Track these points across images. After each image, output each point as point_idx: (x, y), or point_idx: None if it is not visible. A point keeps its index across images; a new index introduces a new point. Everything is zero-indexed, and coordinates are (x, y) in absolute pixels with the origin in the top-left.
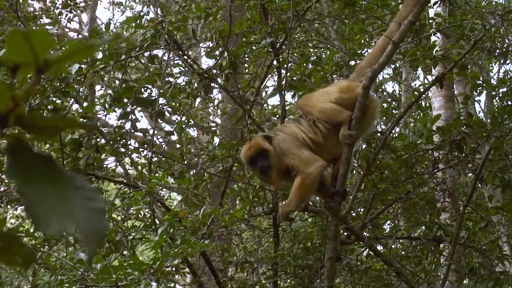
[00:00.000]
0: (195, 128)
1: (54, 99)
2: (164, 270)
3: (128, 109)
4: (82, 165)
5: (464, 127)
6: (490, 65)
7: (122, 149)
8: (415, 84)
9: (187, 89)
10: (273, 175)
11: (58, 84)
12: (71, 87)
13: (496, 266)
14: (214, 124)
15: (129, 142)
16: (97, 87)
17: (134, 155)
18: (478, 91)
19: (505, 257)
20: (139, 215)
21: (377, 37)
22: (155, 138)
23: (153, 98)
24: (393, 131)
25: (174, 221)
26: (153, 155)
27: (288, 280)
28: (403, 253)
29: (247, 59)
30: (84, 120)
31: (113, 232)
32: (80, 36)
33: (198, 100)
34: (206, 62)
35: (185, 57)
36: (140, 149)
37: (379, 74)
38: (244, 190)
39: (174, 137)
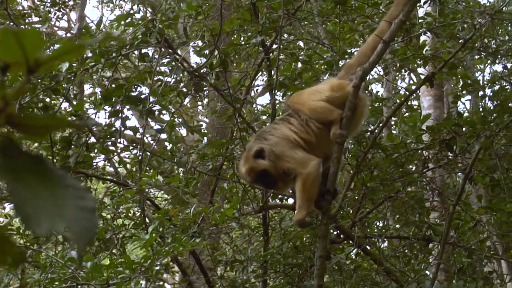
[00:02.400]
0: (183, 127)
1: (44, 97)
2: (154, 269)
3: (118, 107)
4: (72, 163)
5: (454, 126)
6: (481, 65)
7: (112, 147)
8: (401, 85)
9: (177, 88)
10: (279, 185)
11: (48, 82)
12: (61, 85)
13: (485, 265)
14: (202, 124)
15: (119, 140)
16: (86, 86)
17: (124, 154)
18: (466, 90)
19: (494, 257)
20: (129, 214)
21: (367, 36)
22: (145, 137)
23: (143, 96)
24: (382, 131)
25: (164, 219)
26: (143, 153)
27: (278, 279)
28: (392, 252)
29: (237, 57)
30: (74, 119)
31: (103, 231)
32: (69, 34)
33: (188, 99)
34: (194, 63)
35: (176, 55)
36: (130, 147)
37: (369, 73)
38: (234, 189)
39: (164, 136)
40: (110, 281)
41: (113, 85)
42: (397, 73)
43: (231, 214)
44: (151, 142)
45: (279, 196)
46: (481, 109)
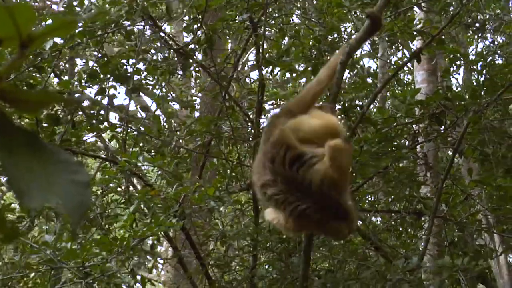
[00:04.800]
0: (174, 103)
1: (33, 73)
2: (137, 248)
3: (106, 85)
4: (58, 140)
5: (444, 100)
6: (469, 39)
7: (100, 126)
8: (392, 60)
9: (163, 66)
10: None
11: (33, 59)
12: (48, 62)
13: (476, 239)
14: (194, 99)
15: (107, 118)
16: (79, 61)
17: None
18: (456, 65)
19: (485, 230)
20: (118, 189)
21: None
22: (133, 114)
23: (129, 74)
24: (372, 105)
25: (146, 199)
26: (127, 132)
27: (266, 256)
28: (382, 226)
29: (227, 31)
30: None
31: (90, 208)
32: (61, 9)
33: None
34: (186, 36)
35: (161, 33)
36: (117, 124)
37: (357, 49)
38: (222, 166)
39: (158, 112)
40: (87, 263)
41: (98, 64)
42: (389, 49)
43: (212, 193)
44: (143, 117)
45: None
46: (474, 83)
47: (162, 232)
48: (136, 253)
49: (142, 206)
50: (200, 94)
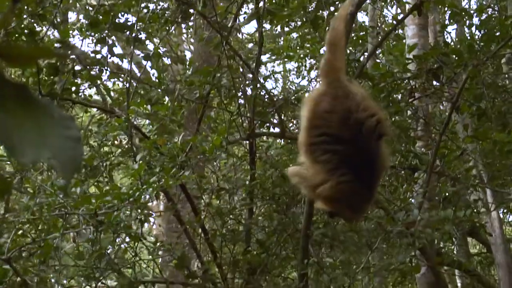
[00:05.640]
0: (168, 57)
1: (31, 23)
2: (141, 200)
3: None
4: (59, 90)
5: (441, 55)
6: None
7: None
8: (388, 13)
9: (165, 15)
10: None
11: (34, 7)
12: (48, 11)
13: (471, 194)
14: (185, 54)
15: (105, 68)
16: (71, 14)
17: (111, 81)
18: (455, 20)
19: (479, 185)
20: (116, 141)
21: None
22: (132, 64)
23: (130, 23)
24: (368, 61)
25: (152, 148)
26: (130, 81)
27: (265, 207)
28: None
29: None
30: (60, 46)
31: (91, 158)
32: None
33: (173, 27)
34: None
35: None
36: (118, 74)
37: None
38: (221, 117)
39: (150, 64)
40: (98, 210)
41: (100, 13)
42: (382, 2)
43: (218, 143)
44: (136, 70)
45: (267, 124)
46: (469, 38)
47: None
48: (145, 204)
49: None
50: (193, 48)
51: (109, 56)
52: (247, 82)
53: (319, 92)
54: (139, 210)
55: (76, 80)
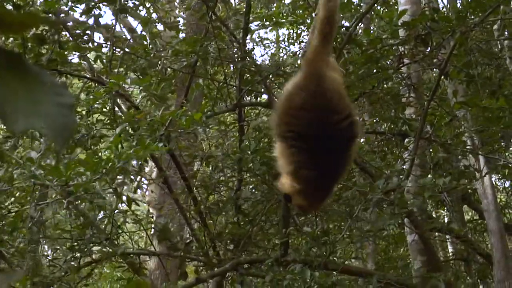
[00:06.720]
0: (158, 24)
1: None
2: (126, 168)
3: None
4: (45, 61)
5: (430, 22)
6: None
7: (86, 45)
8: None
9: None
10: None
11: None
12: None
13: (460, 160)
14: (179, 19)
15: (92, 38)
16: None
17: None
18: None
19: (470, 151)
20: (104, 109)
21: None
22: (122, 34)
23: None
24: (358, 27)
25: (132, 121)
26: (113, 52)
27: (252, 178)
28: (367, 147)
29: None
30: (49, 15)
31: (76, 128)
32: None
33: None
34: None
35: None
36: (103, 45)
37: None
38: (208, 87)
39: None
40: (70, 182)
41: None
42: None
43: (198, 118)
44: (128, 37)
45: (254, 93)
46: (459, 5)
47: None
48: (121, 173)
49: (127, 128)
50: (184, 15)
51: (95, 26)
52: (234, 51)
53: (296, 84)
54: (117, 179)
55: (62, 51)
